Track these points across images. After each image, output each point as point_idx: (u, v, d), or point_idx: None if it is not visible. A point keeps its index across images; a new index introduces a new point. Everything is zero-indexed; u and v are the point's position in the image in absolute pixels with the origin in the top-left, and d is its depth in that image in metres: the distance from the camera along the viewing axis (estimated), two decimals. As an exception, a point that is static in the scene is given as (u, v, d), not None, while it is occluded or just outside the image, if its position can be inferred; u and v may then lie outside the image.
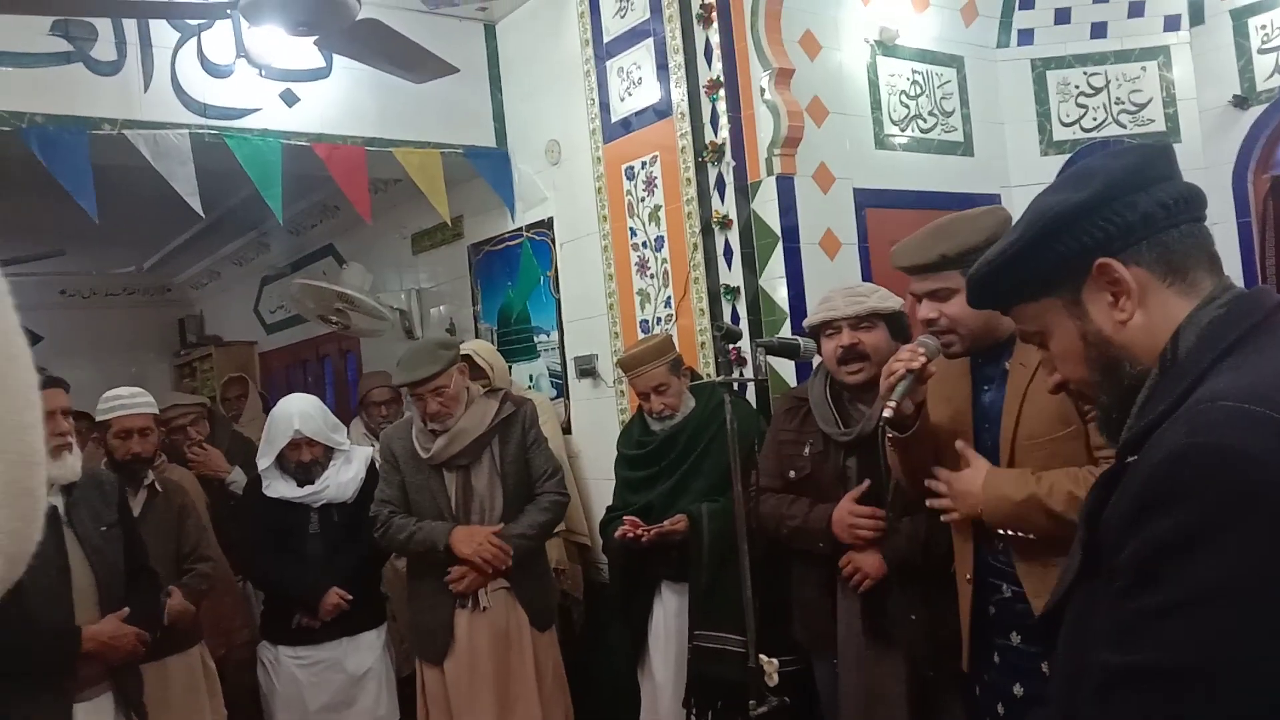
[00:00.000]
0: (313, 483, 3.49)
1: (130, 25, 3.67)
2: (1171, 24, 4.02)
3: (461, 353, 3.86)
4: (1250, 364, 0.97)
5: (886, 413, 2.00)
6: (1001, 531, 2.04)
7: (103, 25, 3.62)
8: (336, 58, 4.02)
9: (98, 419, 3.45)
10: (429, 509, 3.26)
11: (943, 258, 2.06)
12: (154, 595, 2.93)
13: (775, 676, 2.20)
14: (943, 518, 2.14)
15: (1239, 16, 3.85)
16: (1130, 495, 0.96)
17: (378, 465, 3.60)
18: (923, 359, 2.04)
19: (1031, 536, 1.98)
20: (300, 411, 3.50)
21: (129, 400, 3.37)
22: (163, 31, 3.73)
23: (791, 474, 2.70)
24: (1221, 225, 3.84)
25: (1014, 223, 1.20)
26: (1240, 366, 0.97)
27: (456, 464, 3.25)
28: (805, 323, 2.73)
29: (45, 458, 0.40)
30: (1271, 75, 3.77)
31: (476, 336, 4.78)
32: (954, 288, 2.06)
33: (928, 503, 2.15)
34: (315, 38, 3.24)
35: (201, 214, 3.82)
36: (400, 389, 3.56)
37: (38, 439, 0.39)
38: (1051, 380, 1.20)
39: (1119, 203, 1.08)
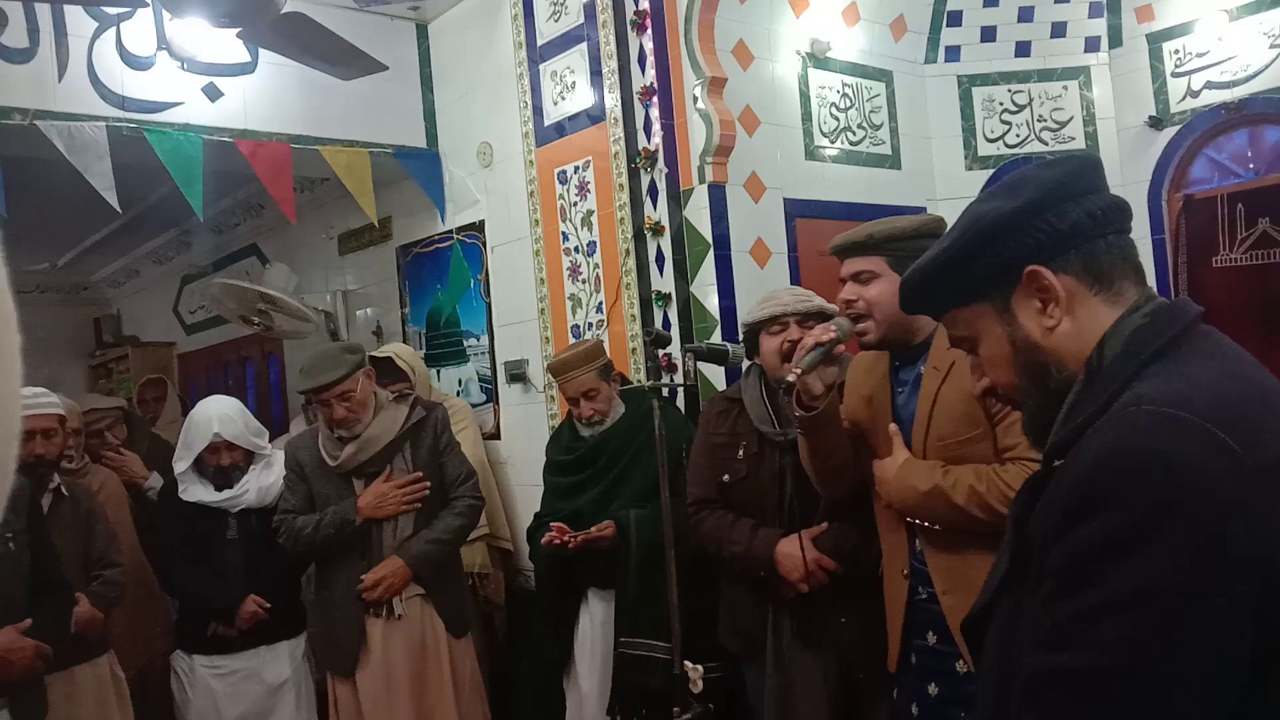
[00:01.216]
0: (231, 487, 3.40)
1: (44, 11, 3.53)
2: (1092, 45, 4.15)
3: (382, 355, 3.81)
4: (1173, 371, 1.00)
5: (790, 377, 2.03)
6: (910, 521, 2.10)
7: (13, 10, 3.47)
8: (262, 52, 3.93)
9: None
10: None
11: (870, 237, 2.12)
12: (62, 606, 2.81)
13: (700, 683, 2.20)
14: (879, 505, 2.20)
15: (1154, 40, 3.98)
16: (1058, 500, 0.97)
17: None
18: (833, 334, 2.08)
19: (937, 527, 2.03)
20: (220, 414, 3.40)
21: (31, 400, 3.16)
22: (79, 19, 3.60)
23: (726, 478, 2.67)
24: (1138, 242, 3.89)
25: (947, 229, 1.21)
26: (1164, 374, 1.00)
27: (366, 471, 3.18)
28: (747, 318, 2.70)
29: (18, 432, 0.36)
30: (1184, 98, 3.91)
31: (405, 340, 4.71)
32: (876, 272, 2.12)
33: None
34: (239, 30, 3.16)
35: (119, 210, 3.69)
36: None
37: (18, 410, 0.35)
38: (979, 385, 1.22)
39: (1050, 212, 1.10)
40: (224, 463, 3.38)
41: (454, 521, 3.22)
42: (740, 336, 2.79)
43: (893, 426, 2.14)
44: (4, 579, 2.56)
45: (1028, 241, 1.10)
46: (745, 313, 2.80)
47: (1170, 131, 3.94)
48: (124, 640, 3.44)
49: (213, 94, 3.91)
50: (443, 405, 3.40)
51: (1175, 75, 3.94)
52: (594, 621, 3.16)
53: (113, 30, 3.69)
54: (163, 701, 3.53)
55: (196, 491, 3.39)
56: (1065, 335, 1.10)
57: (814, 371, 2.08)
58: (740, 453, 2.66)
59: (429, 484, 3.16)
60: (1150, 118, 3.97)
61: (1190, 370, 0.99)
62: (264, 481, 3.45)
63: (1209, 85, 3.83)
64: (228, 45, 3.80)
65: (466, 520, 3.27)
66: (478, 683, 3.35)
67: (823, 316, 2.58)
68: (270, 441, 3.62)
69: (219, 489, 3.39)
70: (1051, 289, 1.09)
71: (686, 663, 2.23)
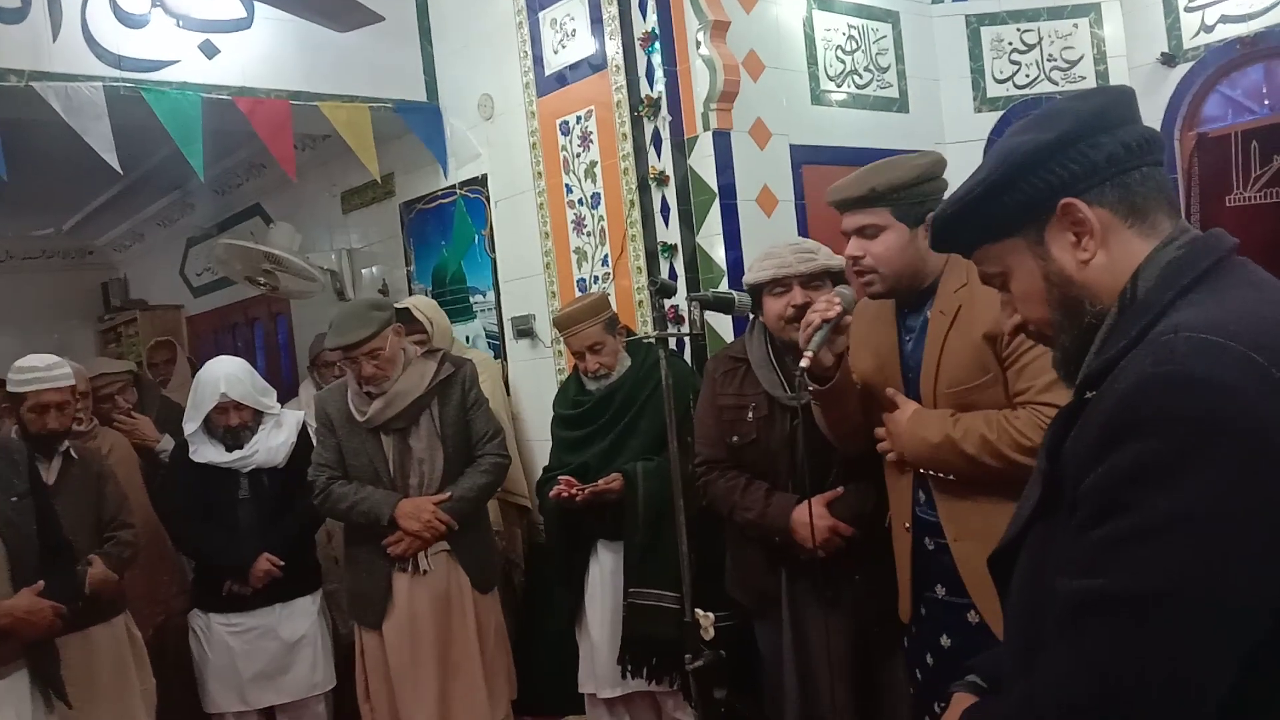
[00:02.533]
0: (241, 447, 3.40)
1: (35, -31, 3.48)
2: (1103, -19, 4.05)
3: (400, 306, 3.78)
4: (1210, 300, 0.99)
5: (804, 362, 1.99)
6: (922, 471, 2.08)
7: (4, -31, 3.43)
8: (258, 6, 3.87)
9: (9, 389, 3.26)
10: (366, 473, 3.20)
11: (872, 191, 2.05)
12: (70, 567, 2.83)
13: (711, 630, 2.20)
14: (887, 458, 2.17)
15: (1168, -26, 3.89)
16: (1094, 426, 0.97)
17: (310, 429, 3.52)
18: (838, 308, 2.04)
19: (951, 477, 2.02)
20: (227, 374, 3.40)
21: (45, 373, 3.12)
22: (71, -24, 3.55)
23: (734, 439, 2.61)
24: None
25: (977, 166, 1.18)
26: (1200, 303, 0.99)
27: (394, 427, 3.18)
28: (749, 279, 2.61)
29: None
30: (1198, 33, 3.83)
31: (388, 298, 4.67)
32: (882, 224, 2.06)
33: (878, 447, 2.16)
34: (233, -16, 3.11)
35: (120, 171, 3.67)
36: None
37: None
38: (1011, 321, 1.20)
39: (1085, 143, 1.08)
40: (232, 423, 3.38)
41: (480, 479, 3.23)
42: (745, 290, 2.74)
43: (890, 389, 2.11)
44: (14, 543, 2.57)
45: (1062, 174, 1.08)
46: (748, 267, 2.72)
47: (1183, 68, 3.86)
48: (140, 600, 3.47)
49: (209, 51, 3.86)
50: (471, 361, 3.38)
51: (1188, 10, 3.85)
52: (603, 572, 3.17)
53: (105, -13, 3.63)
54: (181, 659, 3.57)
55: (207, 452, 3.40)
56: (1099, 268, 1.09)
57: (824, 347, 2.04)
58: (749, 414, 2.60)
59: (457, 528, 3.16)
60: (1162, 54, 3.90)
61: (1227, 299, 0.98)
62: (273, 441, 3.45)
63: (1223, 19, 3.75)
64: (223, 1, 3.74)
65: (492, 478, 3.28)
66: (503, 637, 3.39)
67: (827, 275, 2.53)
68: (280, 403, 3.63)
69: (229, 449, 3.40)
70: (1086, 222, 1.08)
71: (697, 610, 2.23)
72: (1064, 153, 1.08)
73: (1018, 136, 1.13)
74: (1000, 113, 4.10)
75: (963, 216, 1.17)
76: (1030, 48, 4.12)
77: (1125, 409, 0.93)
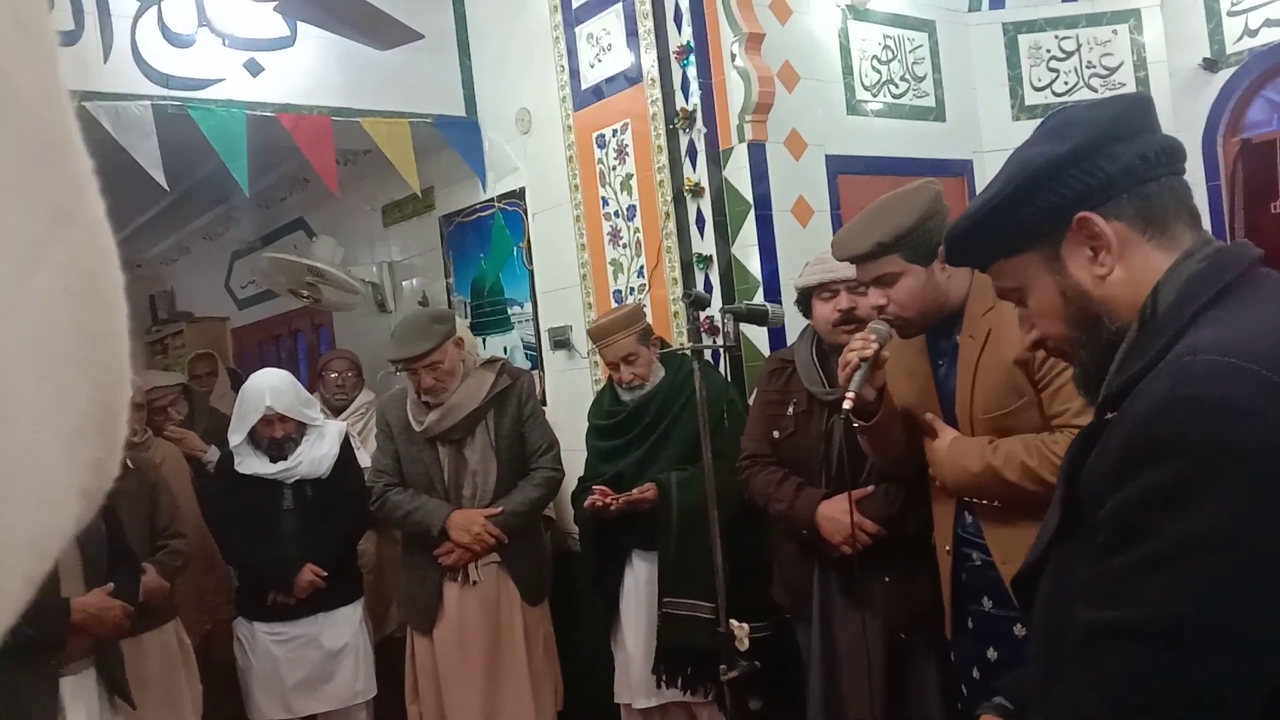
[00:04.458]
0: (285, 459, 3.47)
1: (87, -7, 3.59)
2: (1143, -14, 4.01)
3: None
4: (1230, 318, 0.97)
5: (846, 404, 1.99)
6: (966, 500, 2.07)
7: (58, -7, 3.54)
8: (301, 26, 3.94)
9: None
10: (421, 482, 3.26)
11: (879, 245, 2.04)
12: (134, 572, 2.91)
13: (746, 641, 2.21)
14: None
15: (1209, -22, 3.84)
16: (1113, 450, 0.95)
17: (353, 440, 3.58)
18: (875, 346, 2.04)
19: (997, 504, 2.01)
20: (272, 387, 3.47)
21: None
22: (121, 0, 3.65)
23: (776, 434, 2.69)
24: (1193, 189, 3.85)
25: (989, 180, 1.17)
26: (1220, 320, 0.97)
27: (450, 438, 3.24)
28: (798, 283, 2.67)
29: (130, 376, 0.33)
30: (1241, 38, 3.77)
31: (449, 309, 4.74)
32: (897, 271, 2.06)
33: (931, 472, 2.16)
34: (276, 3, 3.18)
35: (166, 187, 3.75)
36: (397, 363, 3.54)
37: (126, 352, 0.32)
38: (1029, 337, 1.18)
39: (1100, 155, 1.06)
40: (277, 435, 3.45)
41: (531, 493, 3.28)
42: (795, 299, 2.77)
43: (929, 415, 2.10)
44: (87, 546, 2.66)
45: (1077, 187, 1.06)
46: (797, 273, 2.78)
47: (1226, 73, 3.81)
48: (189, 608, 3.55)
49: (254, 69, 3.95)
50: (529, 373, 3.44)
51: (1231, 14, 3.80)
52: (638, 582, 3.19)
53: (154, 9, 3.73)
54: (226, 666, 3.64)
55: (252, 464, 3.47)
56: (1118, 283, 1.06)
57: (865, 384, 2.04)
58: (790, 409, 2.67)
59: (506, 541, 3.20)
60: (1205, 59, 3.84)
61: (1247, 316, 0.96)
62: (317, 452, 3.51)
63: (1268, 23, 3.69)
64: (267, 20, 3.82)
65: (545, 492, 3.32)
66: (551, 648, 3.43)
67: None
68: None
69: (273, 461, 3.46)
70: (1103, 236, 1.05)
71: (732, 621, 2.24)
72: (1078, 165, 1.06)
73: (1031, 149, 1.11)
74: (1039, 120, 4.05)
75: (976, 232, 1.16)
76: (1069, 55, 4.09)
77: (1143, 434, 0.92)
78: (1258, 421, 0.86)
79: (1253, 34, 3.74)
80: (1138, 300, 1.05)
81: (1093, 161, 1.06)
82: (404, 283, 5.28)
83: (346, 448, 3.57)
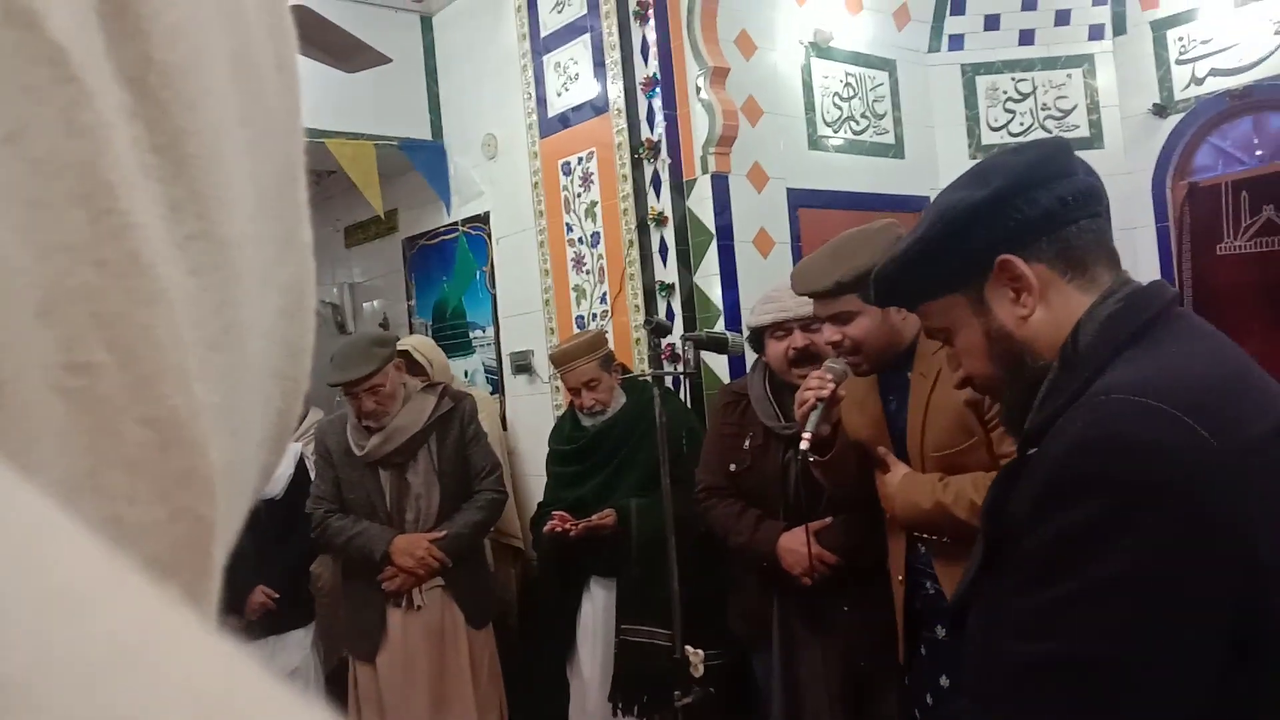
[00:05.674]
0: (239, 478, 3.42)
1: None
2: (1096, 33, 4.14)
3: (400, 348, 3.82)
4: (1146, 358, 0.99)
5: (803, 445, 2.00)
6: (916, 534, 2.10)
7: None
8: (268, 46, 3.94)
9: None
10: (363, 507, 3.21)
11: (838, 284, 2.06)
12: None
13: (700, 668, 2.21)
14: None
15: (1158, 28, 3.97)
16: (1032, 488, 0.97)
17: (307, 461, 3.54)
18: (831, 385, 2.05)
19: (946, 540, 2.04)
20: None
21: None
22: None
23: (733, 466, 2.69)
24: (1142, 230, 3.96)
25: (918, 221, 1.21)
26: (1135, 360, 0.99)
27: (391, 462, 3.20)
28: (751, 322, 2.66)
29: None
30: (1188, 85, 3.90)
31: (411, 332, 4.73)
32: (853, 310, 2.07)
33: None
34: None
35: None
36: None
37: (309, 369, 0.33)
38: (957, 375, 1.20)
39: (1020, 199, 1.07)
40: (232, 454, 3.40)
41: (475, 515, 3.24)
42: (745, 334, 2.80)
43: (881, 448, 2.13)
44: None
45: (998, 230, 1.07)
46: (749, 309, 2.77)
47: (1174, 119, 3.93)
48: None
49: (219, 88, 3.93)
50: (471, 396, 3.42)
51: (1179, 63, 3.93)
52: (596, 609, 3.18)
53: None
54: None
55: (205, 483, 3.42)
56: (1040, 324, 1.08)
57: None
58: (746, 443, 2.67)
59: (450, 565, 3.18)
60: (1154, 105, 3.97)
61: (1163, 356, 0.99)
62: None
63: (1213, 72, 3.82)
64: (233, 39, 3.81)
65: (487, 514, 3.29)
66: (496, 673, 3.39)
67: None
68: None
69: (227, 480, 3.41)
70: (1024, 278, 1.07)
71: (687, 647, 2.24)
72: (999, 210, 1.07)
73: (954, 194, 1.12)
74: (995, 159, 4.16)
75: (902, 275, 1.18)
76: (1025, 96, 4.20)
77: (1059, 472, 0.94)
78: (1170, 461, 0.88)
79: (1199, 82, 3.87)
80: (1059, 340, 1.07)
81: (1014, 205, 1.07)
82: (365, 304, 5.26)
83: (301, 469, 3.53)
